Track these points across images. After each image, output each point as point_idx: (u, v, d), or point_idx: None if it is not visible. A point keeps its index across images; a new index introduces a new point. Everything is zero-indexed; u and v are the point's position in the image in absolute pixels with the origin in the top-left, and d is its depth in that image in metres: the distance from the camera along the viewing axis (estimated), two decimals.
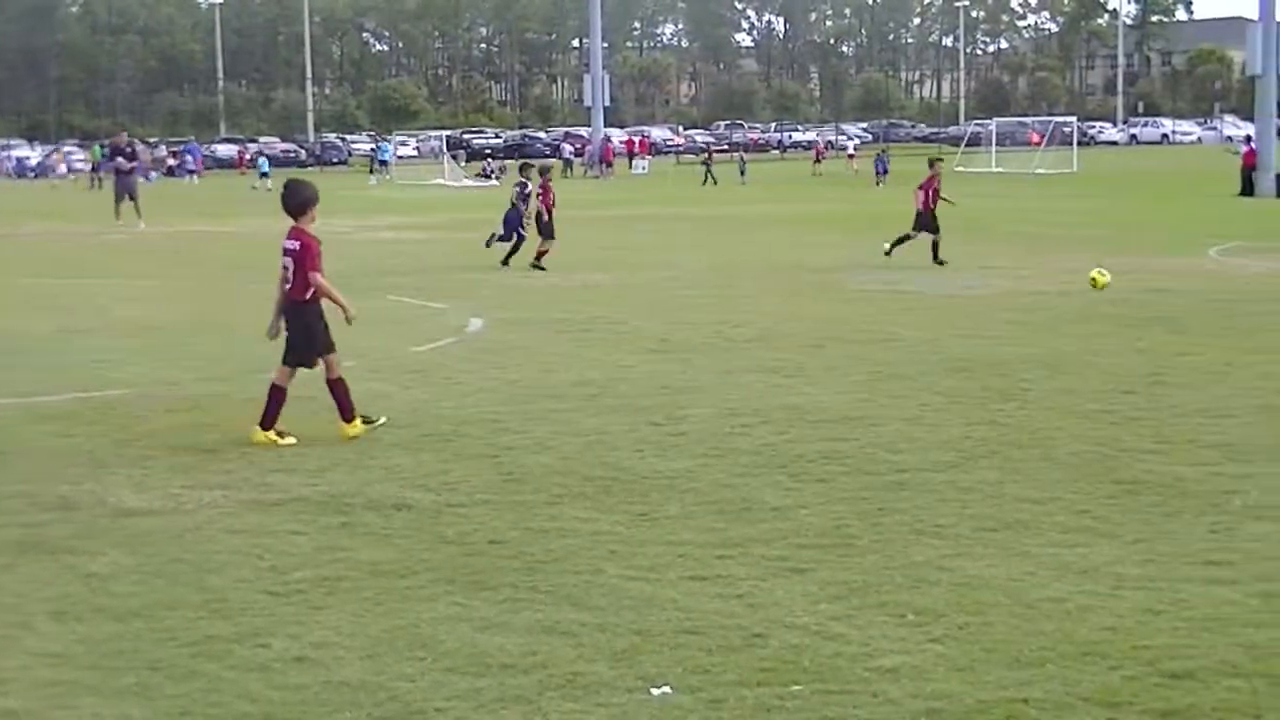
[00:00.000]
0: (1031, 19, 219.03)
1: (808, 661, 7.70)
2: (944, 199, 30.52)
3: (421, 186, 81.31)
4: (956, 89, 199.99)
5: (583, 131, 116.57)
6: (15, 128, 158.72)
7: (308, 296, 13.54)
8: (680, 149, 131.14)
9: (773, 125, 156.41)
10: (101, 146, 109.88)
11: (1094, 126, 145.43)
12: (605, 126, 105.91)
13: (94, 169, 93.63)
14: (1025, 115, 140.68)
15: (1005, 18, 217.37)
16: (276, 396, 13.54)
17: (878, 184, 73.21)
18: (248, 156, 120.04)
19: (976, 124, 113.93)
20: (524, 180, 32.35)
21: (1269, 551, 9.55)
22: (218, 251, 38.60)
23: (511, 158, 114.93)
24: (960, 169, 79.95)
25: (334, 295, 13.66)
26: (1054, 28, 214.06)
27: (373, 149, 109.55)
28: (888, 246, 30.78)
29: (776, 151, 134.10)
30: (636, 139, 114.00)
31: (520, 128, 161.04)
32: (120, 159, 48.54)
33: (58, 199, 76.02)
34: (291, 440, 13.43)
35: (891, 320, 21.55)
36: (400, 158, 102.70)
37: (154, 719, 7.20)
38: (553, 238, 31.18)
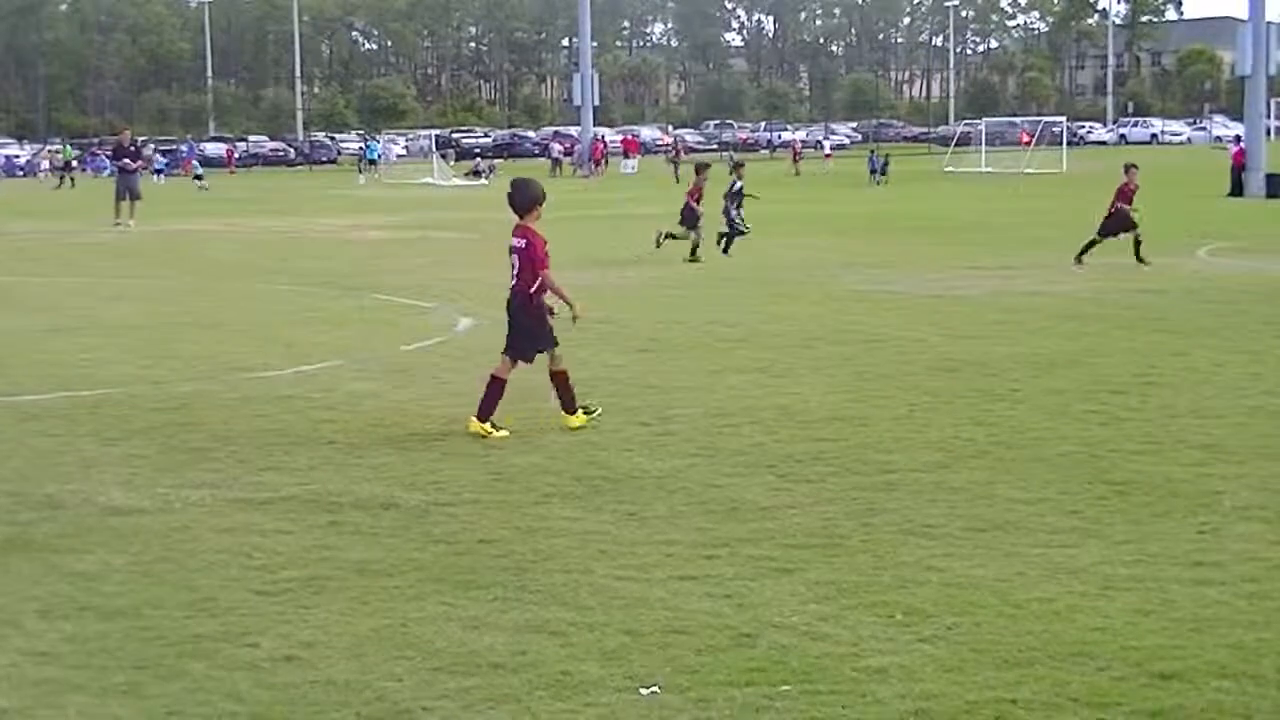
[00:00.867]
0: (1021, 19, 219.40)
1: (796, 662, 7.69)
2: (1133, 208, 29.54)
3: (410, 186, 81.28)
4: (946, 89, 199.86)
5: (572, 131, 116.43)
6: (4, 126, 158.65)
7: (533, 292, 13.67)
8: (670, 149, 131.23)
9: (762, 125, 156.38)
10: (73, 146, 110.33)
11: (1083, 126, 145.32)
12: (594, 126, 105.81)
13: (65, 167, 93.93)
14: (1015, 115, 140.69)
15: (995, 17, 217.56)
16: (495, 388, 13.67)
17: (877, 183, 73.14)
18: (236, 156, 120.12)
19: (966, 124, 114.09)
20: (735, 179, 33.72)
21: (1257, 552, 9.56)
22: (208, 251, 38.53)
23: (501, 157, 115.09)
24: (950, 169, 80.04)
25: (562, 293, 13.83)
26: (1043, 27, 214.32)
27: (362, 148, 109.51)
28: (1076, 256, 29.58)
29: (766, 151, 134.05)
30: (620, 139, 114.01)
31: (509, 127, 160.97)
32: (125, 159, 48.34)
33: (43, 198, 76.02)
34: (504, 433, 13.53)
35: (880, 320, 21.56)
36: (393, 157, 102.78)
37: (141, 718, 7.19)
38: (693, 229, 32.22)
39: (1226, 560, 9.38)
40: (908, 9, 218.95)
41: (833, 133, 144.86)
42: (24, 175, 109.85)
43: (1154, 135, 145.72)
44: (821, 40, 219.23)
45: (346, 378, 17.16)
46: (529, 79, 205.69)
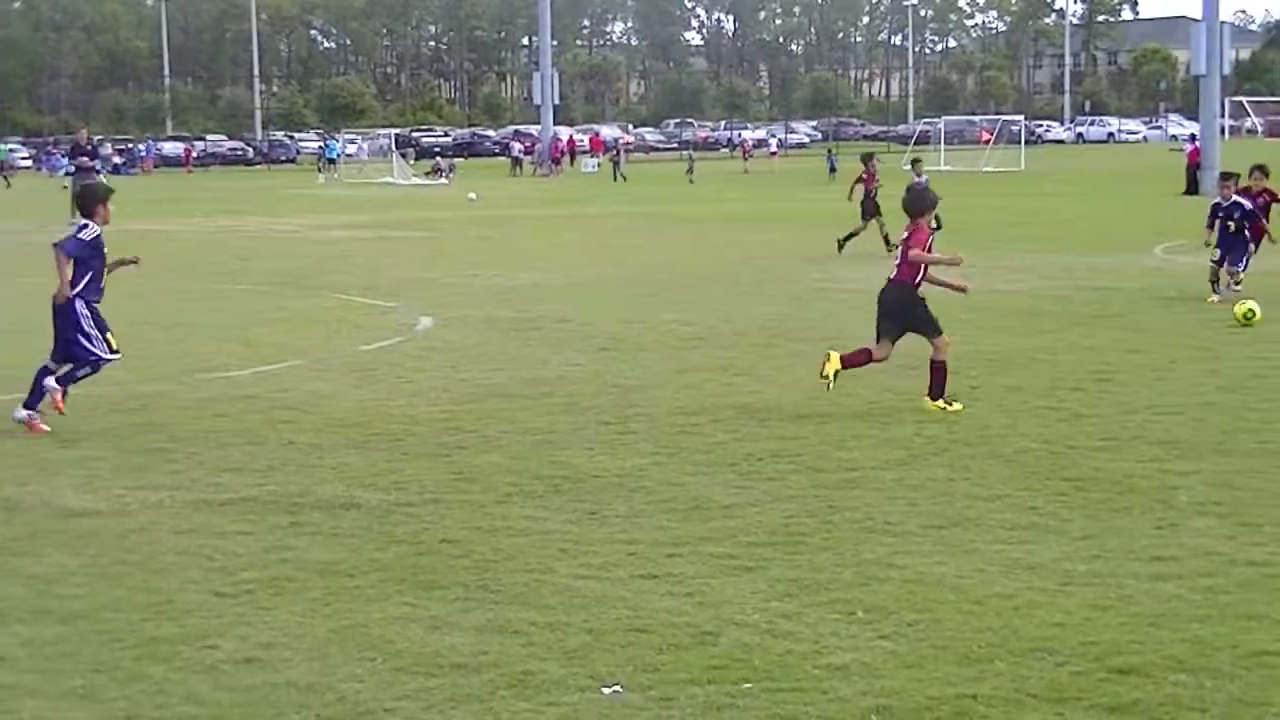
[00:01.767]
0: (979, 18, 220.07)
1: (758, 659, 7.71)
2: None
3: (370, 185, 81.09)
4: (905, 87, 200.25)
5: (533, 130, 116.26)
6: None
7: (916, 281, 14.96)
8: (631, 147, 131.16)
9: (722, 124, 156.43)
10: (10, 145, 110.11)
11: (1041, 125, 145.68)
12: (555, 125, 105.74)
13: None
14: (974, 114, 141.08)
15: (953, 17, 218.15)
16: (940, 370, 14.57)
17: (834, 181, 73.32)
18: (194, 155, 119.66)
19: (925, 122, 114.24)
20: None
21: (1213, 547, 9.61)
22: (166, 250, 38.35)
23: (461, 156, 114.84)
24: (907, 167, 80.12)
25: (941, 267, 15.50)
26: (1001, 27, 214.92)
27: (321, 147, 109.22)
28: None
29: (726, 150, 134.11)
30: (587, 137, 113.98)
31: (469, 126, 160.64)
32: (83, 158, 47.97)
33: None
34: (958, 406, 14.41)
35: (841, 318, 21.57)
36: (349, 156, 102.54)
37: None
38: (874, 217, 33.28)
39: (1183, 555, 9.43)
40: (867, 8, 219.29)
41: (793, 131, 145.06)
42: None
43: (1111, 134, 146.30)
44: (781, 39, 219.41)
45: (307, 378, 17.12)
46: (489, 78, 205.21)
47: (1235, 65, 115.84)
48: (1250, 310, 20.03)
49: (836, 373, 14.66)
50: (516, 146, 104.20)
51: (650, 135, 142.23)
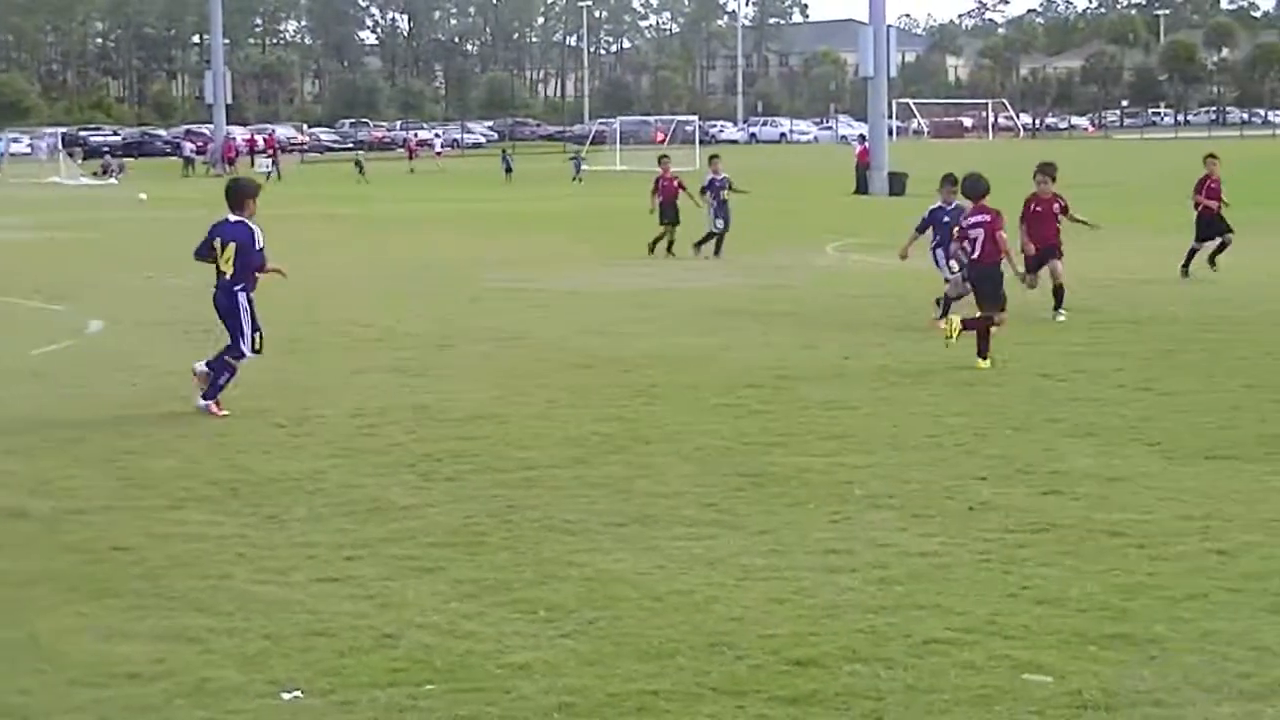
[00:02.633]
0: (653, 19, 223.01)
1: (440, 661, 7.68)
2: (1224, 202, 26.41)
3: (36, 185, 78.84)
4: (581, 88, 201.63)
5: (205, 129, 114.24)
6: None
7: (998, 260, 17.09)
8: (305, 148, 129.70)
9: (398, 124, 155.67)
10: None
11: (715, 125, 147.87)
12: (228, 124, 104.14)
13: None
14: (649, 114, 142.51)
15: (628, 18, 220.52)
16: (984, 330, 16.62)
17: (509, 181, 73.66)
18: None
19: (601, 123, 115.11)
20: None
21: (886, 539, 9.84)
22: None
23: (131, 155, 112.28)
24: (586, 168, 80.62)
25: (1012, 254, 17.74)
26: (675, 28, 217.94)
27: None
28: (1211, 264, 26.05)
29: (401, 150, 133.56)
30: (261, 138, 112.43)
31: (140, 125, 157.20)
32: None
33: None
34: (986, 364, 16.46)
35: (519, 318, 21.64)
36: (25, 155, 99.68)
37: None
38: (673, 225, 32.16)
39: (857, 548, 9.64)
40: (542, 9, 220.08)
41: (469, 131, 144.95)
42: None
43: (783, 134, 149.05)
44: (457, 39, 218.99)
45: None
46: (159, 76, 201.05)
47: (902, 68, 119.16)
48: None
49: (959, 333, 16.59)
50: (189, 146, 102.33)
51: (325, 135, 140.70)
